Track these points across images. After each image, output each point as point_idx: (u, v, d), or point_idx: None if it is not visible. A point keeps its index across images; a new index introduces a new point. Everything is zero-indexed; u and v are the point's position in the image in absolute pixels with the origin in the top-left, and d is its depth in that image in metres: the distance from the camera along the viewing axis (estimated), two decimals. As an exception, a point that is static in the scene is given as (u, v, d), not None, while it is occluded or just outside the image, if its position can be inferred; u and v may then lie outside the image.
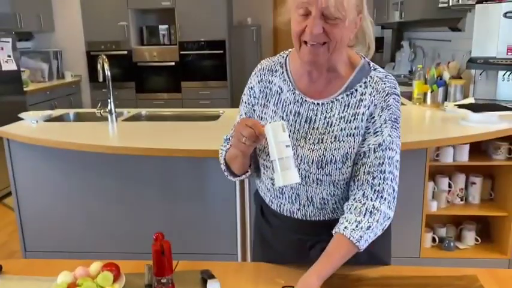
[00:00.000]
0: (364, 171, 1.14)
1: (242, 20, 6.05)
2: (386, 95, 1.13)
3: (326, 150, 1.13)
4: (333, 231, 1.13)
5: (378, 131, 1.13)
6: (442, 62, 3.55)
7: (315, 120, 1.15)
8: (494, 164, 2.53)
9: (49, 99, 5.12)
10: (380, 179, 1.13)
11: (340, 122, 1.14)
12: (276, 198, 1.25)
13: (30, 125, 2.77)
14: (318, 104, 1.15)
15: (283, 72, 1.21)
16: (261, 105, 1.22)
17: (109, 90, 2.94)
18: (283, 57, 1.24)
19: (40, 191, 2.67)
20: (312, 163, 1.14)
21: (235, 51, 5.94)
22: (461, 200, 2.64)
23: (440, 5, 3.49)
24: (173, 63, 5.77)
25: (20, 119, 2.89)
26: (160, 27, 5.79)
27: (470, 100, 2.96)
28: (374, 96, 1.13)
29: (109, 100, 2.92)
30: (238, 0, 6.07)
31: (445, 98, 3.07)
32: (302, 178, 1.15)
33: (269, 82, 1.22)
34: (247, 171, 1.24)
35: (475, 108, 2.73)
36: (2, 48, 4.25)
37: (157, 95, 5.89)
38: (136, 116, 3.19)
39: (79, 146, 2.32)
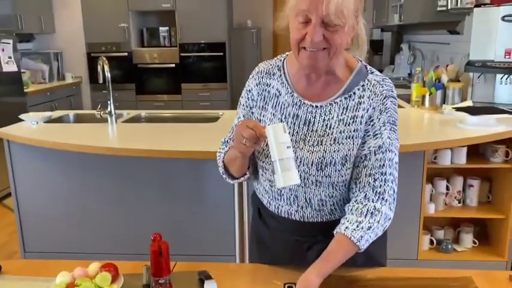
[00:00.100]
0: (365, 174, 1.15)
1: (242, 23, 6.07)
2: (384, 98, 1.15)
3: (325, 152, 1.14)
4: (334, 232, 1.15)
5: (377, 134, 1.15)
6: (441, 65, 3.56)
7: (314, 122, 1.16)
8: (492, 167, 2.53)
9: (49, 101, 5.13)
10: (381, 180, 1.14)
11: (339, 124, 1.15)
12: (274, 200, 1.25)
13: (30, 126, 2.78)
14: (316, 106, 1.16)
15: (281, 75, 1.22)
16: (259, 108, 1.23)
17: (109, 91, 2.95)
18: (280, 60, 1.25)
19: (40, 192, 2.67)
20: (312, 165, 1.15)
21: (235, 53, 5.95)
22: (459, 202, 2.65)
23: (439, 8, 3.51)
24: (173, 65, 5.78)
25: (20, 120, 2.89)
26: (161, 29, 5.81)
27: (468, 103, 2.98)
28: (372, 100, 1.14)
29: (109, 102, 2.93)
30: (238, 3, 6.09)
31: (443, 100, 3.08)
32: (301, 180, 1.15)
33: (267, 85, 1.22)
34: (246, 174, 1.24)
35: (472, 111, 2.75)
36: (3, 50, 4.26)
37: (158, 96, 5.90)
38: (136, 118, 3.20)
39: (79, 147, 2.33)
